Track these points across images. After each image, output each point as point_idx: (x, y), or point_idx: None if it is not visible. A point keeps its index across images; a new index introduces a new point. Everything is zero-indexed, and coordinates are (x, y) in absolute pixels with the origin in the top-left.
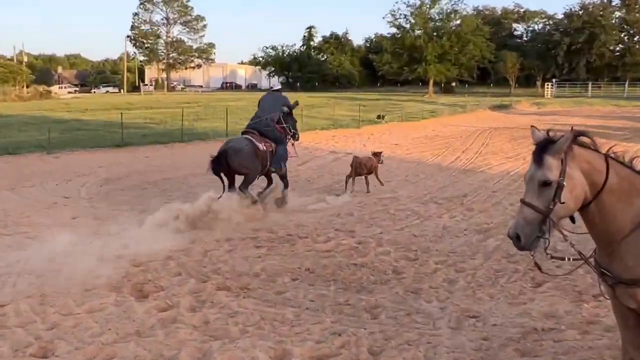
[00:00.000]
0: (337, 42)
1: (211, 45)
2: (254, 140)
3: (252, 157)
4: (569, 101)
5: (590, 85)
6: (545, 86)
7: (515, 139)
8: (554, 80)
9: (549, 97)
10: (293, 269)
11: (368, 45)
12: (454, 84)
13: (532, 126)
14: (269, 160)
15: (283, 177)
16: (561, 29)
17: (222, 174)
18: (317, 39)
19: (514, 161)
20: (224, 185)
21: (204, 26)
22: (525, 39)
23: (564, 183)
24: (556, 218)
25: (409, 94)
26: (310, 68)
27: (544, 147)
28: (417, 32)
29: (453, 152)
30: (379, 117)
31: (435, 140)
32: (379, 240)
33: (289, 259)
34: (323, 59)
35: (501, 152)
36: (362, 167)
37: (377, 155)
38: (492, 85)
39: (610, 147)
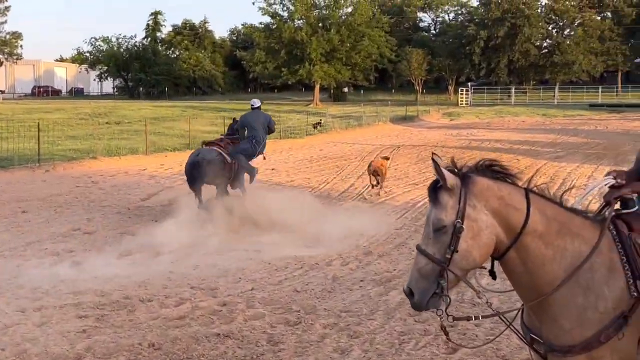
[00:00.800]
0: (192, 33)
1: (17, 36)
2: (221, 152)
3: (223, 168)
4: (488, 110)
5: (513, 90)
6: (460, 92)
7: (423, 160)
8: (469, 84)
9: (464, 105)
10: (131, 345)
11: (235, 38)
12: (346, 89)
13: (433, 154)
14: (232, 173)
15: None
16: (477, 20)
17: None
18: (165, 29)
19: (421, 189)
20: (199, 200)
21: (7, 9)
22: (434, 32)
23: (462, 226)
24: (458, 270)
25: (289, 103)
26: (157, 68)
27: (438, 182)
28: (298, 22)
29: (346, 178)
30: (316, 125)
31: (323, 163)
32: (250, 299)
33: (126, 331)
34: (174, 55)
35: (406, 177)
36: (377, 171)
37: (387, 159)
38: (394, 91)
39: (532, 176)
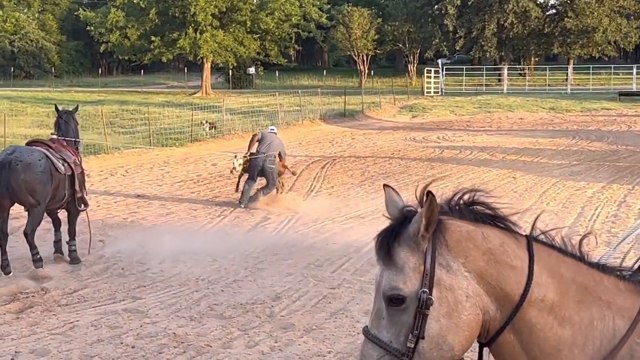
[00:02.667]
0: None
1: None
2: (50, 155)
3: (47, 180)
4: (468, 102)
5: (506, 71)
6: (425, 74)
7: (372, 180)
8: (440, 62)
9: (431, 93)
10: None
11: None
12: (252, 70)
13: (385, 185)
14: (66, 189)
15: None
16: None
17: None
18: None
19: (369, 224)
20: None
21: None
22: None
23: (431, 298)
24: None
25: (163, 92)
26: None
27: (394, 230)
28: None
29: (255, 209)
30: (210, 126)
31: (217, 185)
32: None
33: None
34: None
35: (346, 207)
36: None
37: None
38: (326, 73)
39: (536, 218)
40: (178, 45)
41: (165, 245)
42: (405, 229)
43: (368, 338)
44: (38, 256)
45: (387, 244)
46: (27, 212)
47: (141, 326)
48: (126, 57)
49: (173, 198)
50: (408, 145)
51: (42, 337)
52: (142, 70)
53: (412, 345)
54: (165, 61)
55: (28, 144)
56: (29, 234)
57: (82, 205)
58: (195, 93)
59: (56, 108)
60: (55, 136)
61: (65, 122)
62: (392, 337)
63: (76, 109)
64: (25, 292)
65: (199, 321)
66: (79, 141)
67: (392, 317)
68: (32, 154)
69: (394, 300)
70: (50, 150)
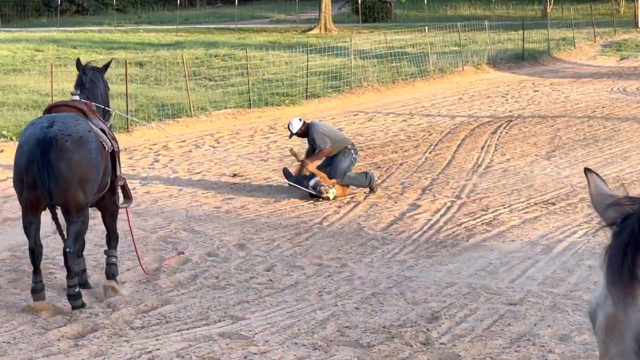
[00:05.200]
0: None
1: None
2: (92, 123)
3: (97, 161)
4: None
5: None
6: None
7: (566, 149)
8: None
9: None
10: None
11: None
12: None
13: (586, 170)
14: (108, 174)
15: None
16: None
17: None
18: None
19: (563, 213)
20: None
21: None
22: None
23: None
24: None
25: (267, 28)
26: None
27: (636, 244)
28: None
29: (400, 189)
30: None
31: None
32: None
33: None
34: None
35: (528, 188)
36: None
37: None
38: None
39: None
40: None
41: (274, 245)
42: None
43: None
44: (77, 290)
45: (633, 256)
46: (64, 217)
47: (245, 357)
48: None
49: (282, 178)
50: (616, 99)
51: None
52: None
53: None
54: None
55: (50, 109)
56: (70, 253)
57: (124, 200)
58: (310, 29)
59: (78, 62)
60: (77, 97)
61: (91, 81)
62: None
63: (107, 65)
64: (85, 310)
65: (326, 351)
66: (111, 111)
67: None
68: (78, 124)
69: None
70: (84, 114)
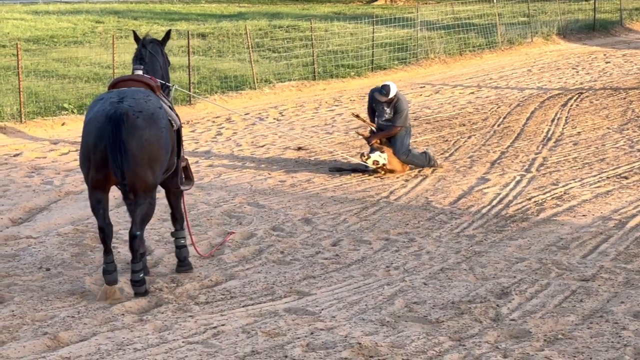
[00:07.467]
0: None
1: None
2: (163, 99)
3: (168, 141)
4: None
5: None
6: None
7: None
8: None
9: None
10: None
11: None
12: None
13: None
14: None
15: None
16: None
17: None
18: None
19: (637, 187)
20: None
21: None
22: None
23: None
24: None
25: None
26: None
27: None
28: None
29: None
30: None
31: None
32: None
33: None
34: None
35: (600, 162)
36: None
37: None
38: None
39: None
40: None
41: (341, 219)
42: None
43: None
44: (141, 276)
45: None
46: (131, 199)
47: (312, 333)
48: None
49: (348, 152)
50: None
51: (176, 347)
52: None
53: None
54: None
55: (116, 83)
56: (137, 237)
57: (185, 182)
58: (375, 0)
59: (135, 35)
60: (141, 71)
61: (150, 54)
62: None
63: (167, 37)
64: (149, 284)
65: (394, 327)
66: (171, 87)
67: None
68: (149, 100)
69: None
70: (152, 90)
